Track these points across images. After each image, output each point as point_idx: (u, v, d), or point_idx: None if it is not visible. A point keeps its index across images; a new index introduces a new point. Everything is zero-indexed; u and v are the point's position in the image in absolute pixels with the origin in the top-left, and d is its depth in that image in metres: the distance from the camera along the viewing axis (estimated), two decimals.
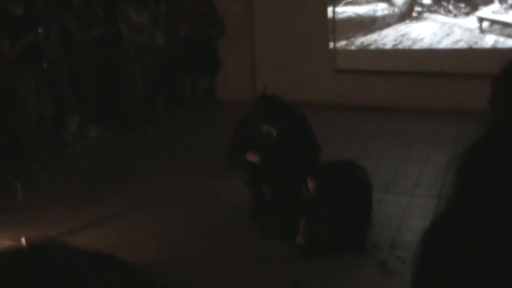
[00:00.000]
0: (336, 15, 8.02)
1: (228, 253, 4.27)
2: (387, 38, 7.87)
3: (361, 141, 6.55)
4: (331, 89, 8.05)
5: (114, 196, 5.35)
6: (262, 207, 4.70)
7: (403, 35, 7.80)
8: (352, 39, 8.07)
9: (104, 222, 4.83)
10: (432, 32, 7.63)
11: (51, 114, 6.48)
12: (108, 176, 5.87)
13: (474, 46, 7.42)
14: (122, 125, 7.49)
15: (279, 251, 4.22)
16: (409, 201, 4.96)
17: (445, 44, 7.58)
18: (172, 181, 5.67)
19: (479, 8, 7.34)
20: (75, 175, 6.00)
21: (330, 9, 8.02)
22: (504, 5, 7.20)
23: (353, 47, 8.09)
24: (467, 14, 7.41)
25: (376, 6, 7.87)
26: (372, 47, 7.99)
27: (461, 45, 7.49)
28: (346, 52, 8.12)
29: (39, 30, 6.05)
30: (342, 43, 8.11)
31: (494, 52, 7.27)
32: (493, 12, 7.29)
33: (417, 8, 7.69)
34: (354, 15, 8.00)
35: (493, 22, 7.34)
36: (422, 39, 7.70)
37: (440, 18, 7.58)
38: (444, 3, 7.51)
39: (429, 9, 7.62)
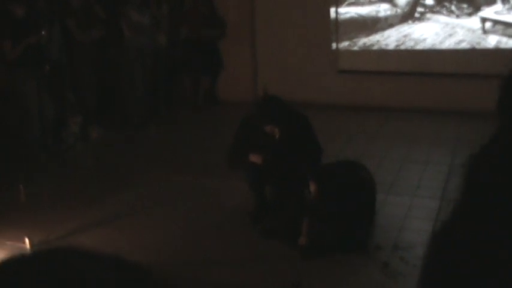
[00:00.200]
0: (338, 15, 8.02)
1: (228, 253, 4.27)
2: (390, 38, 7.86)
3: (363, 142, 6.54)
4: (333, 89, 8.04)
5: (115, 196, 5.35)
6: (264, 208, 4.70)
7: (405, 36, 7.79)
8: (354, 40, 8.06)
9: (105, 223, 4.83)
10: (434, 32, 7.62)
11: (52, 116, 6.49)
12: (109, 177, 5.87)
13: (477, 46, 7.41)
14: (123, 125, 7.50)
15: (280, 251, 4.21)
16: (411, 202, 4.95)
17: (448, 44, 7.57)
18: (172, 181, 5.67)
19: (482, 8, 7.32)
20: (76, 176, 6.01)
21: (332, 10, 8.02)
22: (507, 5, 7.18)
23: (355, 48, 8.09)
24: (469, 14, 7.40)
25: (379, 7, 7.86)
26: (375, 47, 7.98)
27: (464, 45, 7.48)
28: (349, 53, 8.12)
29: (43, 33, 6.06)
30: (344, 44, 8.11)
31: (497, 52, 7.25)
32: (496, 12, 7.27)
33: (420, 9, 7.68)
34: (356, 15, 8.00)
35: (495, 22, 7.32)
36: (424, 39, 7.69)
37: (442, 18, 7.57)
38: (447, 4, 7.50)
39: (432, 9, 7.61)
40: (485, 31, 7.35)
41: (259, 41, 8.48)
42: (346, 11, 8.01)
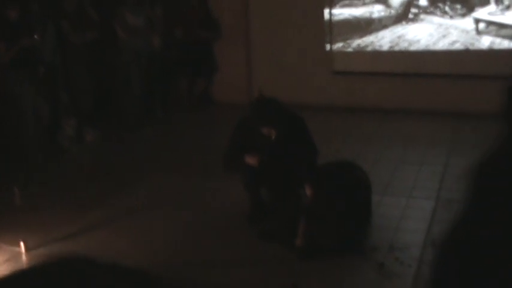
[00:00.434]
0: (332, 17, 8.04)
1: (227, 254, 4.27)
2: (384, 39, 7.89)
3: (358, 143, 6.56)
4: (328, 90, 8.06)
5: (113, 198, 5.35)
6: (261, 210, 4.70)
7: (399, 37, 7.81)
8: (348, 41, 8.08)
9: (103, 225, 4.82)
10: (428, 33, 7.65)
11: (47, 117, 6.48)
12: (106, 179, 5.86)
13: (470, 47, 7.44)
14: (119, 127, 7.50)
15: (279, 252, 4.21)
16: (406, 202, 4.97)
17: (442, 45, 7.60)
18: (171, 182, 5.67)
19: (476, 9, 7.36)
20: (73, 178, 5.99)
21: (326, 11, 8.04)
22: (500, 6, 7.22)
23: (350, 49, 8.11)
24: (463, 15, 7.43)
25: (373, 8, 7.88)
26: (369, 48, 8.00)
27: (458, 46, 7.51)
28: (343, 54, 8.13)
29: (35, 36, 6.06)
30: (338, 45, 8.12)
31: (491, 53, 7.29)
32: (489, 13, 7.31)
33: (413, 10, 7.70)
34: (350, 17, 8.02)
35: (489, 23, 7.36)
36: (418, 40, 7.72)
37: (436, 19, 7.60)
38: (440, 5, 7.53)
39: (425, 10, 7.64)
40: (479, 32, 7.39)
41: (253, 42, 8.49)
42: (340, 12, 8.03)
